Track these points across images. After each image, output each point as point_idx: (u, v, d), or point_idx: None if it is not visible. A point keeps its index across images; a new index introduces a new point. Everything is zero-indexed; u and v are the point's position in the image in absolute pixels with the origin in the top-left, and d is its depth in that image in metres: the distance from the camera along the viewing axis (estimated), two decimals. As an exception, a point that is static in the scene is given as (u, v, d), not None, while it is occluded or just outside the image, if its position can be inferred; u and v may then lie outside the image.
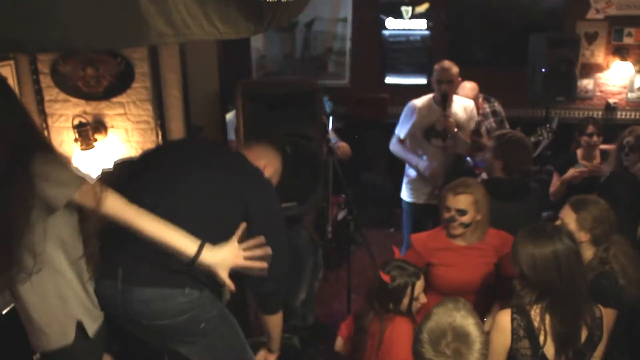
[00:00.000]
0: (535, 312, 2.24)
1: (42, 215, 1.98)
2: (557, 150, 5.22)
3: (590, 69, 6.18)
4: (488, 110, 4.98)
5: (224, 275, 2.12)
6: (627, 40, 6.05)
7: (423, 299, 2.60)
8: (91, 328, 2.20)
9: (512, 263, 2.33)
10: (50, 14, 1.32)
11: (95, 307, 2.22)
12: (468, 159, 4.77)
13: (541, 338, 2.21)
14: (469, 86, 4.82)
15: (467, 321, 1.80)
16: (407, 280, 2.56)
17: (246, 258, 2.16)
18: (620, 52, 6.07)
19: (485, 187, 3.08)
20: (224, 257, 2.12)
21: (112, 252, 2.16)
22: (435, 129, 4.17)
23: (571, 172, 4.14)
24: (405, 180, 4.48)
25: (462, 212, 2.90)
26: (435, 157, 4.25)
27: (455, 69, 4.14)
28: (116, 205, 2.00)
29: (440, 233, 3.06)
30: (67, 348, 2.15)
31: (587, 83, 6.21)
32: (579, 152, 4.41)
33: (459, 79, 4.26)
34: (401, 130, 4.36)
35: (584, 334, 2.25)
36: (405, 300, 2.57)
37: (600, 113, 6.27)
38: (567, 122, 5.96)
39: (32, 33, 1.32)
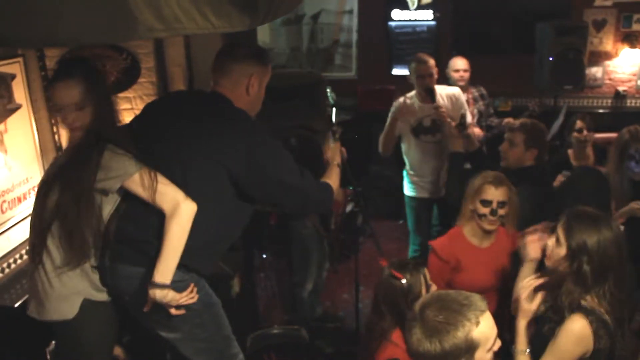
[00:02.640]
0: (594, 303, 2.20)
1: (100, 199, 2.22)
2: (565, 141, 5.20)
3: (599, 57, 6.11)
4: (477, 94, 5.04)
5: (147, 309, 2.22)
6: (636, 26, 5.96)
7: (434, 286, 2.58)
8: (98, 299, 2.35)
9: (574, 252, 2.23)
10: (35, 8, 1.32)
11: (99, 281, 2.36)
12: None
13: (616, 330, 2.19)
14: (461, 61, 4.91)
15: (459, 294, 1.81)
16: (417, 275, 2.54)
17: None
18: (630, 39, 5.98)
19: (526, 177, 3.21)
20: (172, 299, 2.20)
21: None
22: (423, 125, 4.19)
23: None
24: (405, 174, 4.49)
25: (503, 204, 2.91)
26: (427, 153, 4.27)
27: (432, 61, 4.14)
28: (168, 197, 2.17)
29: (459, 235, 3.03)
30: (69, 321, 2.29)
31: (595, 71, 6.15)
32: (571, 152, 4.25)
33: (436, 69, 4.23)
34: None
35: None
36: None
37: (609, 101, 6.23)
38: (576, 111, 5.90)
39: (16, 27, 1.33)
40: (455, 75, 4.88)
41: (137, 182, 2.15)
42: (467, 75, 4.90)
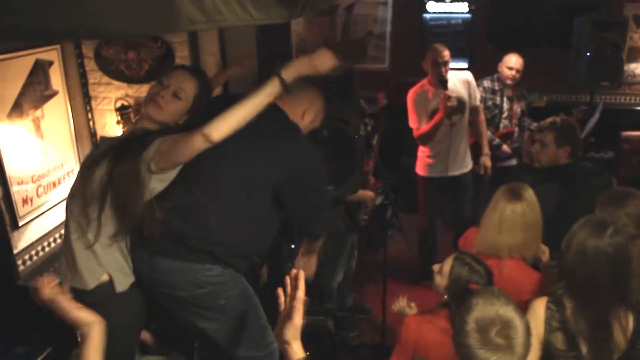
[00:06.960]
0: (570, 308, 2.17)
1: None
2: (600, 138, 5.12)
3: (639, 53, 5.96)
4: (519, 92, 5.00)
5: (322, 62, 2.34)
6: (679, 22, 5.82)
7: None
8: (120, 285, 2.33)
9: (562, 249, 2.25)
10: (79, 1, 1.33)
11: (129, 268, 2.36)
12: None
13: (576, 337, 2.15)
14: (518, 60, 4.82)
15: (508, 307, 1.79)
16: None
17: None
18: (672, 35, 5.84)
19: (555, 176, 3.21)
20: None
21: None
22: (438, 110, 4.27)
23: None
24: (420, 155, 4.62)
25: None
26: (443, 137, 4.39)
27: (448, 51, 4.24)
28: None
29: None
30: (89, 292, 2.28)
31: (634, 67, 5.99)
32: None
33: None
34: (421, 121, 4.43)
35: (622, 343, 2.15)
36: None
37: (647, 98, 6.08)
38: (613, 108, 5.80)
39: (62, 20, 1.34)
40: (508, 73, 4.81)
41: (169, 141, 2.18)
42: (518, 76, 4.82)
